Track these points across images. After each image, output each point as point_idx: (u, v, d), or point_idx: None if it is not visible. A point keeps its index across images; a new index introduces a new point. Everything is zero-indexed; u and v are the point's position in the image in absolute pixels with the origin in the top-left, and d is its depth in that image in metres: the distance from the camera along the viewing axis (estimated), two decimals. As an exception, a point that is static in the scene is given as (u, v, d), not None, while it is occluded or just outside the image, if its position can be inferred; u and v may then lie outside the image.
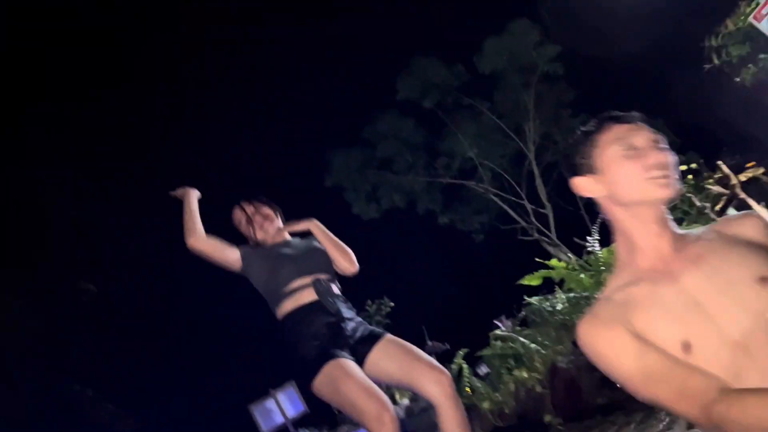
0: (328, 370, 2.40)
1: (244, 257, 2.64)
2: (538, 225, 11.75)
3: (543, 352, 4.63)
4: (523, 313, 5.19)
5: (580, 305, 4.68)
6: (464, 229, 13.14)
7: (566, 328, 4.58)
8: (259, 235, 2.76)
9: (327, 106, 13.89)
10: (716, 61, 7.13)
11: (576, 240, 11.29)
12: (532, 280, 5.04)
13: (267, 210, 2.82)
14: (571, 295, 4.67)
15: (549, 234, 11.50)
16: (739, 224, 1.24)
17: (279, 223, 2.82)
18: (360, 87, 13.01)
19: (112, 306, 11.32)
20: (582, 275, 4.84)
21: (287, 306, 2.55)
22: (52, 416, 9.31)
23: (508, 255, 11.97)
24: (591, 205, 1.40)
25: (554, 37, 11.30)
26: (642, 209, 1.21)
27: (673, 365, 1.08)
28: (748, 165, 8.04)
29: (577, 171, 1.26)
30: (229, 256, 2.63)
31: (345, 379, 2.36)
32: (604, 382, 3.58)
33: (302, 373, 2.47)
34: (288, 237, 2.80)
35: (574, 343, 3.93)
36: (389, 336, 2.57)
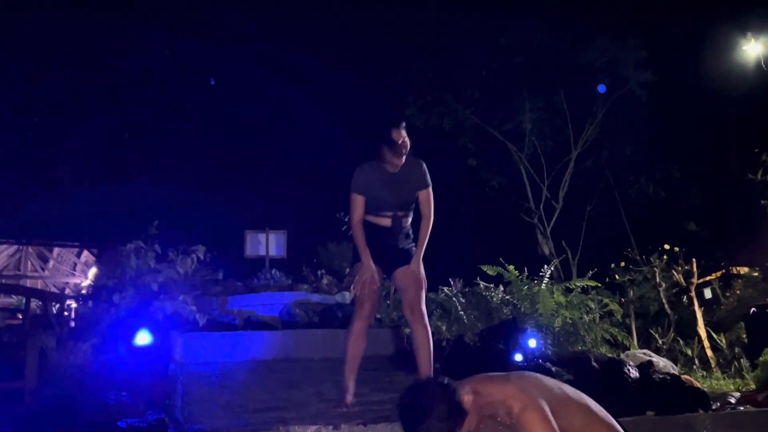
0: (368, 268, 3.70)
1: (363, 189, 3.78)
2: (542, 214, 12.73)
3: (466, 322, 6.00)
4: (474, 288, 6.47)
5: (509, 307, 5.99)
6: (484, 178, 14.04)
7: (490, 319, 5.91)
8: (397, 161, 3.68)
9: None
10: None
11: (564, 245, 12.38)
12: (490, 270, 6.25)
13: (407, 141, 3.70)
14: (507, 297, 5.95)
15: (545, 226, 12.54)
16: None
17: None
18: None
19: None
20: (525, 288, 6.05)
21: (369, 218, 3.79)
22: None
23: (504, 224, 13.16)
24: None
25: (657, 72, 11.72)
26: None
27: None
28: (714, 275, 9.15)
29: None
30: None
31: (369, 281, 3.69)
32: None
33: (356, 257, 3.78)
34: (397, 170, 3.76)
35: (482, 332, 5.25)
36: (414, 266, 3.79)
